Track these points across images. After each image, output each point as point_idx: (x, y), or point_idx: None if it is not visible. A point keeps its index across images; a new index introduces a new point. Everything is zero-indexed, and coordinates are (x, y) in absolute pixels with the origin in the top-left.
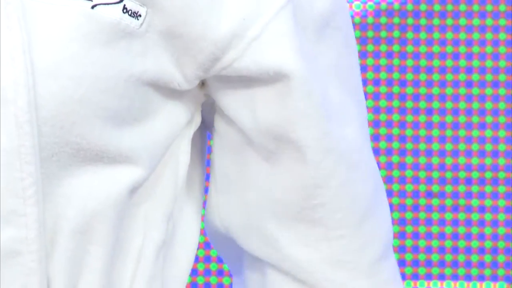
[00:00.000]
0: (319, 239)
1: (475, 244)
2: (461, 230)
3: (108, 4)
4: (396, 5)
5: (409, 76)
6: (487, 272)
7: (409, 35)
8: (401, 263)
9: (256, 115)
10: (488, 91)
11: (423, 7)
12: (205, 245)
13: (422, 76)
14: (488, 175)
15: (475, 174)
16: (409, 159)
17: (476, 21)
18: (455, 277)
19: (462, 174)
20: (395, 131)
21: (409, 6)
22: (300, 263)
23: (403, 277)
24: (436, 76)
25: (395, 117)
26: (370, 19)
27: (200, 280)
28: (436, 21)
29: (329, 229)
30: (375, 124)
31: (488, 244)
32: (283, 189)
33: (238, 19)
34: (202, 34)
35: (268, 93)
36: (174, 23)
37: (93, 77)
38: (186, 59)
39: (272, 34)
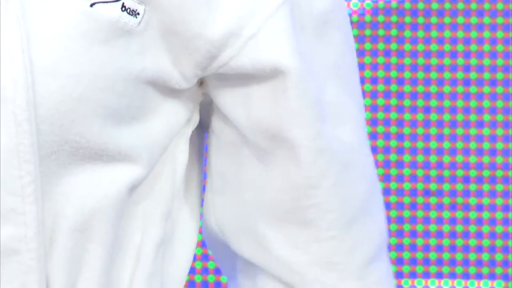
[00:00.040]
0: (310, 241)
1: (472, 242)
2: (459, 228)
3: (106, 2)
4: (394, 4)
5: (407, 74)
6: (485, 270)
7: (407, 33)
8: (399, 261)
9: (251, 113)
10: (486, 89)
11: (420, 5)
12: (202, 243)
13: (420, 74)
14: (486, 173)
15: (472, 172)
16: (406, 157)
17: (473, 19)
18: (452, 275)
19: (459, 172)
20: (393, 129)
21: (407, 5)
22: (290, 265)
23: (401, 275)
24: (433, 75)
25: (393, 115)
26: (367, 17)
27: (198, 278)
28: (433, 19)
29: (320, 231)
30: (372, 122)
31: (485, 242)
32: (276, 189)
33: (235, 18)
34: (199, 32)
35: (264, 90)
36: (171, 21)
37: (92, 75)
38: (184, 58)
39: (269, 32)
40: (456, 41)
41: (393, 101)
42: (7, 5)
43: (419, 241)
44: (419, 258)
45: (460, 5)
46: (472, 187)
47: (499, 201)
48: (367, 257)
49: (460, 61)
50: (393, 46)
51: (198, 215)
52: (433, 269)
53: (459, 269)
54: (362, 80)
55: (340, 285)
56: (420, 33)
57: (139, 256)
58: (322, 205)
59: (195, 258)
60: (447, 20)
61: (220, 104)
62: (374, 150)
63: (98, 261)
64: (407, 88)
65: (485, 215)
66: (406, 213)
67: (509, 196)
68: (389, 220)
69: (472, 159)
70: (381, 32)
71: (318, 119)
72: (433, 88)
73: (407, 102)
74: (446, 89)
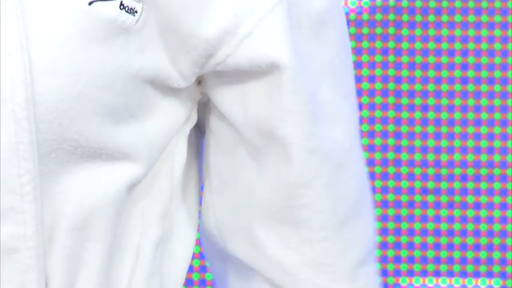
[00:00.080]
0: (302, 241)
1: (470, 240)
2: (456, 226)
3: (105, 0)
4: (391, 2)
5: (404, 73)
6: (482, 268)
7: (404, 31)
8: (396, 259)
9: (247, 111)
10: (483, 87)
11: (418, 3)
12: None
13: (417, 73)
14: (483, 171)
15: (470, 171)
16: (404, 156)
17: (471, 18)
18: (450, 274)
19: (457, 171)
20: (390, 127)
21: (404, 3)
22: (283, 265)
23: (399, 273)
24: (431, 73)
25: (390, 113)
26: (365, 16)
27: (196, 276)
28: (431, 18)
29: (312, 231)
30: (370, 120)
31: (483, 240)
32: (269, 188)
33: (230, 16)
34: (195, 30)
35: (260, 87)
36: (168, 19)
37: (91, 74)
38: (181, 56)
39: (265, 30)
40: (453, 39)
41: (391, 99)
42: (6, 4)
43: (417, 240)
44: (416, 256)
45: (458, 4)
46: (470, 185)
47: (496, 199)
48: (358, 259)
49: (457, 59)
50: (391, 44)
51: (196, 214)
52: (430, 267)
53: (456, 268)
54: (360, 78)
55: (332, 287)
56: (418, 32)
57: (138, 255)
58: (314, 205)
59: (193, 257)
60: (444, 18)
61: (217, 102)
62: (372, 148)
63: (97, 259)
64: (404, 86)
65: (483, 213)
66: (404, 212)
67: (507, 194)
68: (386, 218)
69: (470, 157)
70: (378, 30)
71: (311, 118)
72: (430, 87)
73: (404, 100)
74: (444, 87)
